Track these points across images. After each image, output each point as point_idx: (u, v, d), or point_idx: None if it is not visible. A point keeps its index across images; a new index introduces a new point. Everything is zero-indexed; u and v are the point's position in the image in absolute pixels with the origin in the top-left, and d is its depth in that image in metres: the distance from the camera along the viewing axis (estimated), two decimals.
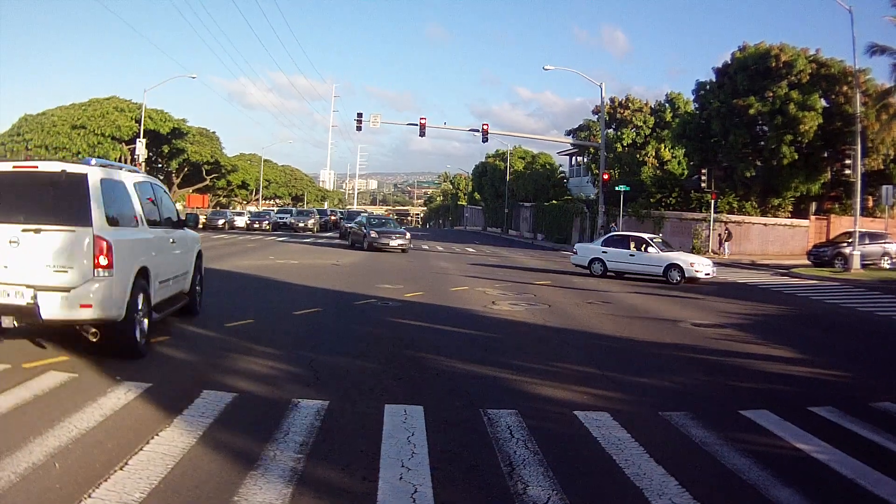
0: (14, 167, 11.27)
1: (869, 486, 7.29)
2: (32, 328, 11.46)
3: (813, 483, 7.32)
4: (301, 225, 74.11)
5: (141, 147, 65.84)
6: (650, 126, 73.76)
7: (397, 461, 7.41)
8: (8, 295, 10.40)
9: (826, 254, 41.58)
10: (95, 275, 10.65)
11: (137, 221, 12.45)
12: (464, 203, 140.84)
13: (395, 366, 12.17)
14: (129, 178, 12.74)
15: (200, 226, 71.27)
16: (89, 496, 6.17)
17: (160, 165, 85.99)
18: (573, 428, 8.98)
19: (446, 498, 6.57)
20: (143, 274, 11.94)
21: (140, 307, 11.76)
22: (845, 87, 49.67)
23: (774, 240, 54.13)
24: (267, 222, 75.27)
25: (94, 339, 11.16)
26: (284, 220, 75.96)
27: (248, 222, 74.76)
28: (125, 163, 70.81)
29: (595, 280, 30.02)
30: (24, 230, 10.47)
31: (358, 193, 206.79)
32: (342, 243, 52.06)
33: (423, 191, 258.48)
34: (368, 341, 14.33)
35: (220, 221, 72.82)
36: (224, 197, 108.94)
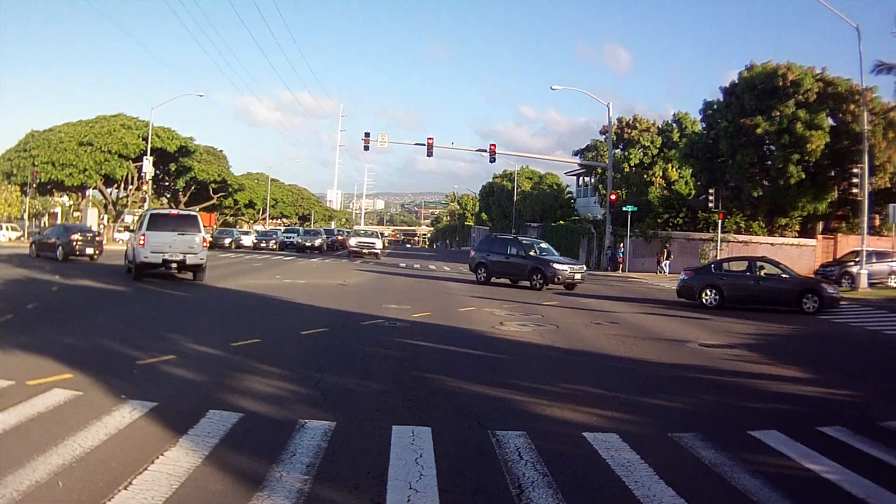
0: (172, 212, 32.94)
1: None
2: (181, 268, 29.33)
3: (824, 503, 7.25)
4: (308, 244, 74.00)
5: (148, 165, 66.38)
6: (657, 146, 73.71)
7: (405, 483, 7.36)
8: (176, 256, 28.67)
9: (833, 273, 41.39)
10: (201, 249, 29.38)
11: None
12: (471, 223, 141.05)
13: (402, 386, 12.12)
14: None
15: (207, 245, 71.56)
16: None
17: (167, 183, 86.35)
18: (582, 449, 8.92)
19: None
20: None
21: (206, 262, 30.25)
22: (852, 106, 49.51)
23: (782, 259, 53.27)
24: (274, 241, 75.66)
25: (195, 276, 29.93)
26: (291, 240, 76.09)
27: (255, 241, 75.12)
28: (132, 180, 72.15)
29: (603, 301, 29.92)
30: (179, 234, 28.93)
31: (365, 213, 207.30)
32: (350, 262, 52.45)
33: (430, 210, 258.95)
34: (376, 362, 14.29)
35: (227, 240, 72.97)
36: (231, 216, 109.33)
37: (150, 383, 11.27)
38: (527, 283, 35.66)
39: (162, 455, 7.82)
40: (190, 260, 28.91)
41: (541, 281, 34.67)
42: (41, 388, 10.38)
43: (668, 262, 54.32)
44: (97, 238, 43.88)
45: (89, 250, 41.70)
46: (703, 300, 28.76)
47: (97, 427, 8.68)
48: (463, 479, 7.66)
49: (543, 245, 39.02)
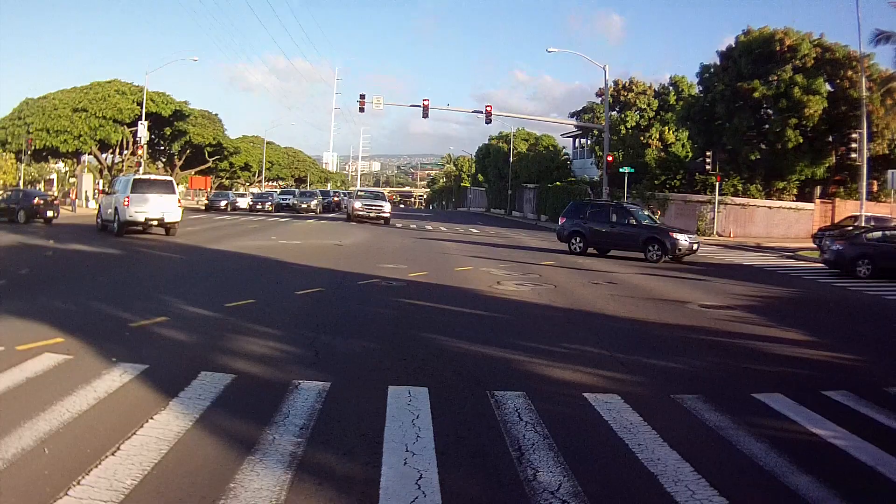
0: (152, 177, 36.74)
1: (889, 474, 7.02)
2: (160, 225, 32.98)
3: (832, 470, 7.05)
4: (304, 206, 74.11)
5: (143, 129, 66.37)
6: (654, 109, 73.29)
7: (401, 445, 7.19)
8: (156, 214, 32.42)
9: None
10: (176, 208, 33.42)
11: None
12: (467, 185, 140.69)
13: (398, 346, 11.96)
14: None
15: (203, 207, 71.87)
16: (79, 483, 5.96)
17: (162, 147, 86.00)
18: (583, 411, 8.73)
19: (453, 484, 6.31)
20: None
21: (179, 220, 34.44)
22: (850, 72, 49.50)
23: (779, 223, 53.81)
24: (269, 203, 75.46)
25: (168, 231, 33.46)
26: (287, 202, 76.38)
27: (251, 204, 75.13)
28: (127, 145, 71.97)
29: (600, 261, 29.66)
30: (158, 195, 32.79)
31: (361, 175, 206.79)
32: (346, 224, 52.32)
33: (427, 172, 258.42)
34: (372, 321, 14.13)
35: (223, 203, 73.19)
36: (227, 179, 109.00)
37: (142, 346, 11.05)
38: (636, 255, 31.93)
39: (151, 419, 7.64)
40: (168, 218, 33.14)
41: (658, 252, 30.89)
42: (31, 352, 10.13)
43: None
44: (54, 202, 46.86)
45: (49, 213, 43.09)
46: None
47: (86, 391, 8.47)
48: (461, 440, 7.48)
49: (645, 212, 35.55)
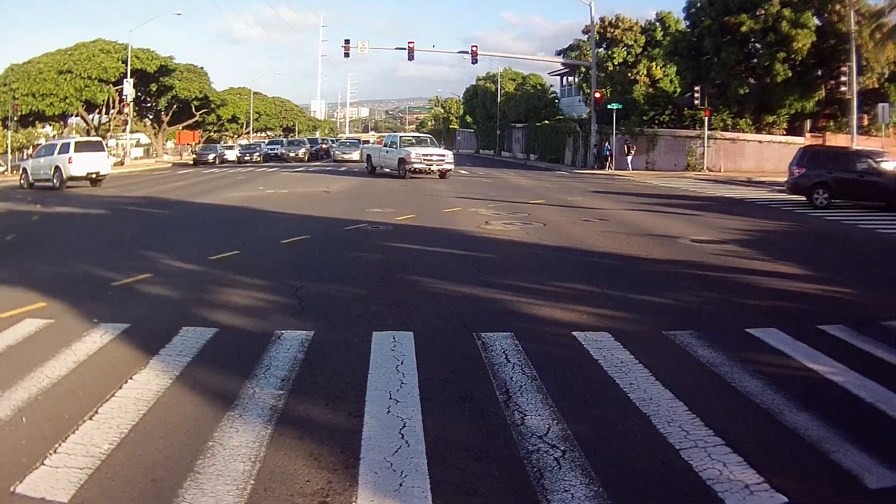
0: (87, 140, 45.18)
1: (890, 411, 6.73)
2: (97, 178, 38.94)
3: (830, 407, 6.79)
4: (292, 155, 74.30)
5: (128, 87, 66.42)
6: (641, 45, 72.38)
7: (385, 393, 6.98)
8: (95, 168, 38.26)
9: None
10: (107, 163, 40.43)
11: None
12: (455, 127, 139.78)
13: (384, 291, 11.78)
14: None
15: (191, 161, 72.05)
16: (55, 451, 5.74)
17: (149, 104, 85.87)
18: (572, 350, 8.50)
19: (437, 432, 6.09)
20: None
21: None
22: (837, 6, 48.94)
23: (770, 157, 53.33)
24: (258, 154, 75.70)
25: (99, 183, 38.98)
26: (275, 151, 76.52)
27: (239, 155, 75.13)
28: (113, 104, 71.66)
29: (590, 198, 29.35)
30: (94, 153, 39.27)
31: (350, 121, 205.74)
32: (334, 170, 51.65)
33: (415, 116, 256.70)
34: (357, 267, 13.98)
35: (211, 156, 73.14)
36: (215, 132, 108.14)
37: (124, 305, 10.85)
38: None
39: (131, 379, 7.44)
40: (102, 171, 39.34)
41: None
42: (12, 320, 9.86)
43: (630, 157, 54.21)
44: None
45: None
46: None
47: (66, 355, 8.25)
48: (446, 386, 7.26)
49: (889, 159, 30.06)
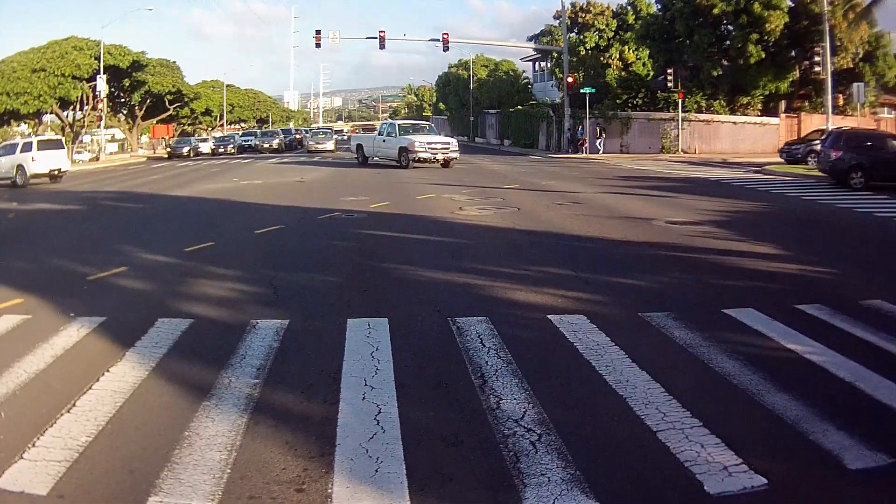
0: (49, 139, 46.51)
1: (869, 390, 6.74)
2: (58, 174, 39.92)
3: (809, 387, 6.79)
4: (266, 146, 74.14)
5: (101, 83, 65.91)
6: (613, 29, 72.32)
7: (360, 380, 6.95)
8: (56, 165, 39.77)
9: (799, 151, 40.81)
10: (66, 160, 41.81)
11: None
12: (429, 114, 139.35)
13: (358, 278, 11.76)
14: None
15: (166, 155, 71.66)
16: (34, 445, 5.71)
17: (122, 99, 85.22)
18: (548, 333, 8.48)
19: (413, 418, 6.06)
20: None
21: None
22: None
23: (745, 138, 53.58)
24: (232, 146, 75.15)
25: (59, 179, 39.79)
26: (249, 143, 76.41)
27: (213, 147, 74.39)
28: (87, 100, 71.11)
29: (564, 182, 29.32)
30: (55, 151, 40.66)
31: (323, 111, 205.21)
32: (308, 160, 51.55)
33: (389, 104, 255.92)
34: (332, 255, 13.95)
35: (185, 149, 72.25)
36: (189, 125, 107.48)
37: (100, 298, 10.78)
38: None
39: (108, 371, 7.41)
40: (62, 168, 40.97)
41: None
42: None
43: (600, 140, 54.73)
44: None
45: None
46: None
47: (43, 350, 8.18)
48: (421, 371, 7.23)
49: None
